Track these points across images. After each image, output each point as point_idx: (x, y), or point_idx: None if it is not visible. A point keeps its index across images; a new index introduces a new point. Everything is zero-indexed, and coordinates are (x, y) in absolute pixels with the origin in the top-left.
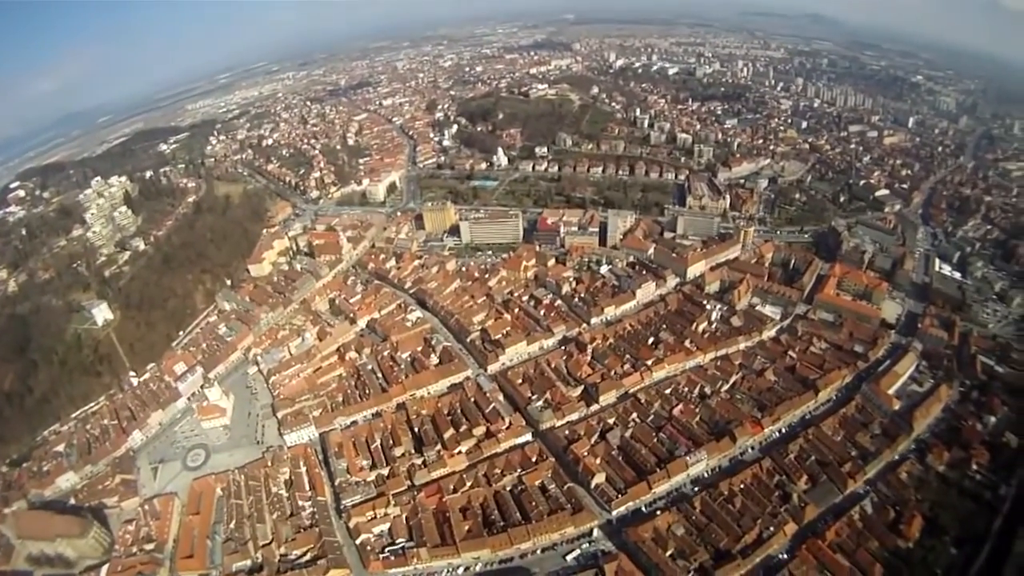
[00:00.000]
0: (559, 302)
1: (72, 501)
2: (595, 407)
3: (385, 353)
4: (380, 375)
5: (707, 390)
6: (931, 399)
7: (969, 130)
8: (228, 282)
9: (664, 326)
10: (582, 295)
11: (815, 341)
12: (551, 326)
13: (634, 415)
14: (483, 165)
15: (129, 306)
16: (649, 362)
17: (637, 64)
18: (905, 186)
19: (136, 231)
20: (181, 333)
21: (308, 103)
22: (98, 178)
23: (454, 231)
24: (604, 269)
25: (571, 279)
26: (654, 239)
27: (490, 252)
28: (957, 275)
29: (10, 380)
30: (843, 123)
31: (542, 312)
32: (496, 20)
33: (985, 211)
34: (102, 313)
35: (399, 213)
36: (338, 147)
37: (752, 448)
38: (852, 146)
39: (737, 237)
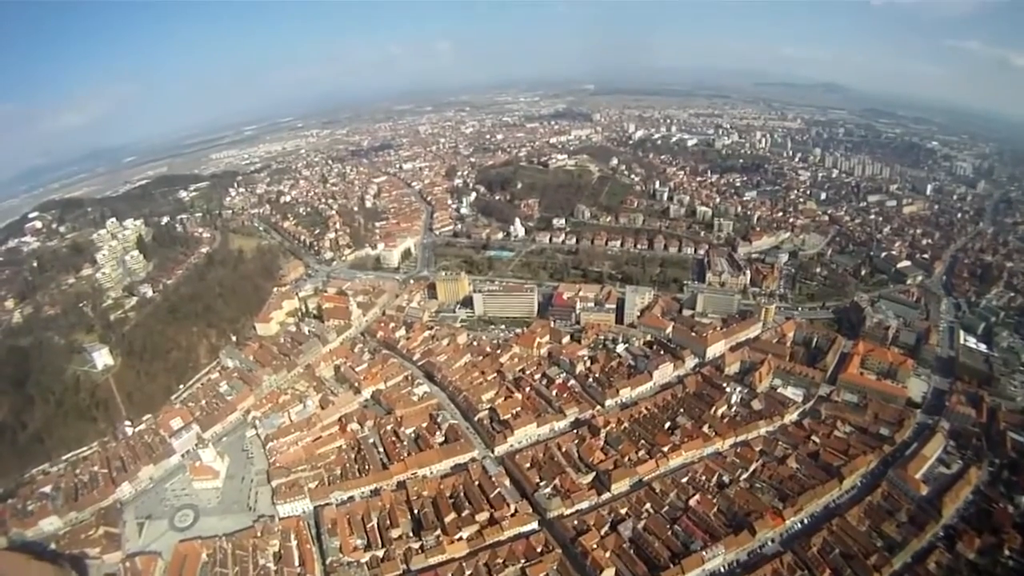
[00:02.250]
0: (572, 382)
1: (53, 546)
2: (607, 496)
3: (388, 427)
4: (382, 450)
5: (726, 479)
6: (960, 482)
7: (987, 194)
8: (234, 338)
9: (682, 410)
10: (597, 375)
11: (839, 425)
12: (563, 407)
13: (648, 505)
14: (500, 235)
15: (131, 353)
16: (665, 448)
17: (656, 135)
18: (926, 256)
19: (146, 277)
20: (181, 387)
21: (329, 162)
22: (113, 219)
23: (467, 302)
24: (620, 348)
25: (586, 358)
26: (672, 317)
27: (503, 326)
28: (983, 347)
29: (4, 412)
30: (862, 193)
31: (554, 392)
32: (518, 88)
33: (1007, 278)
34: (103, 358)
35: (412, 281)
36: (355, 209)
37: (772, 541)
38: (872, 216)
39: (758, 315)
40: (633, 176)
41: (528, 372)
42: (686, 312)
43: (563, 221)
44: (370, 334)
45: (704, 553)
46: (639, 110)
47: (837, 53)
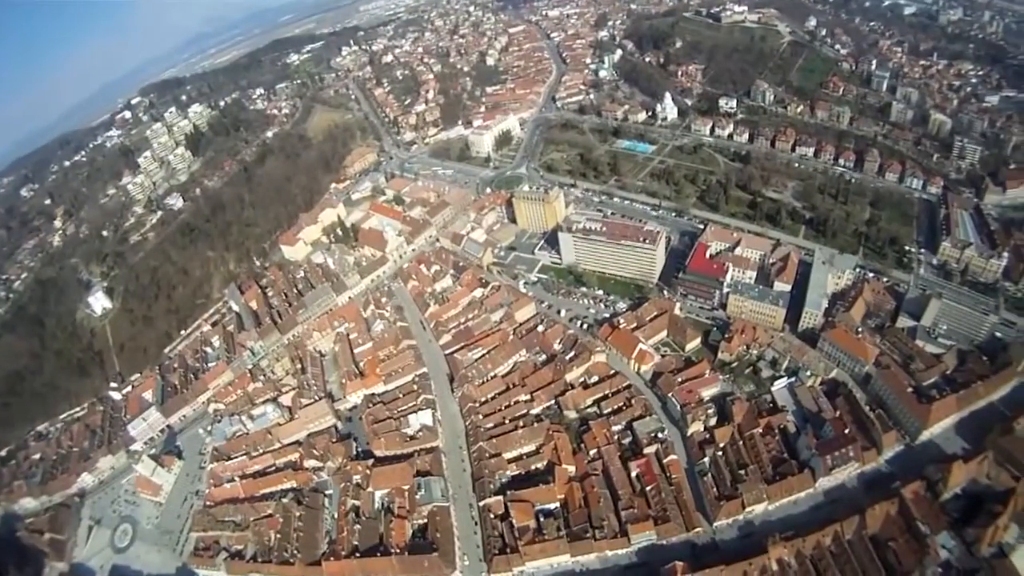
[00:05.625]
0: (671, 459)
1: (22, 534)
2: None
3: (353, 481)
4: (328, 523)
5: None
6: None
7: None
8: (257, 262)
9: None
10: (720, 449)
11: None
12: (633, 524)
13: None
14: (641, 116)
15: (132, 293)
16: None
17: None
18: None
19: (187, 180)
20: (183, 332)
21: (469, 8)
22: (172, 109)
23: (556, 238)
24: (780, 388)
25: (709, 408)
26: (880, 325)
27: (600, 292)
28: None
29: (22, 359)
30: None
31: (634, 474)
32: None
33: None
34: (99, 301)
35: (490, 190)
36: (466, 69)
37: None
38: None
39: (1016, 362)
40: (838, 47)
41: (608, 415)
42: (902, 320)
43: (734, 103)
44: (403, 279)
45: None
46: None
47: None
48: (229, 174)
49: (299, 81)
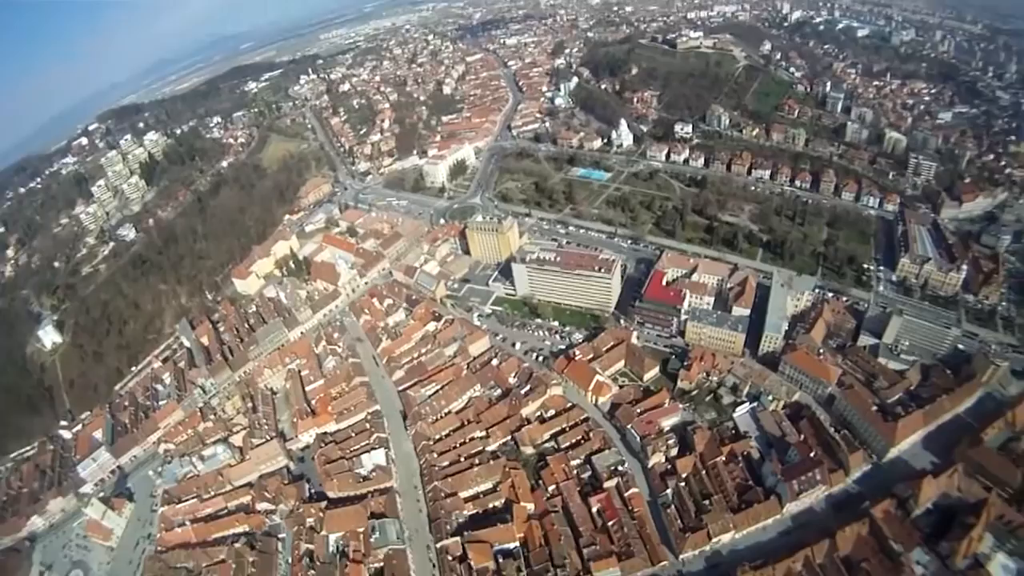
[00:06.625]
0: (632, 492)
1: None
2: None
3: (305, 524)
4: (282, 569)
5: None
6: None
7: None
8: (209, 296)
9: None
10: (684, 479)
11: None
12: (596, 560)
13: None
14: (597, 143)
15: (83, 327)
16: None
17: (817, 19)
18: None
19: (140, 209)
20: (133, 369)
21: (428, 37)
22: (128, 136)
23: (512, 268)
24: (742, 415)
25: (669, 439)
26: (841, 345)
27: (555, 323)
28: None
29: None
30: None
31: (594, 509)
32: None
33: None
34: (49, 335)
35: (444, 221)
36: (423, 98)
37: None
38: None
39: (980, 373)
40: (793, 70)
41: (566, 450)
42: (863, 339)
43: (689, 129)
44: (355, 313)
45: None
46: None
47: None
48: (183, 204)
49: (256, 110)
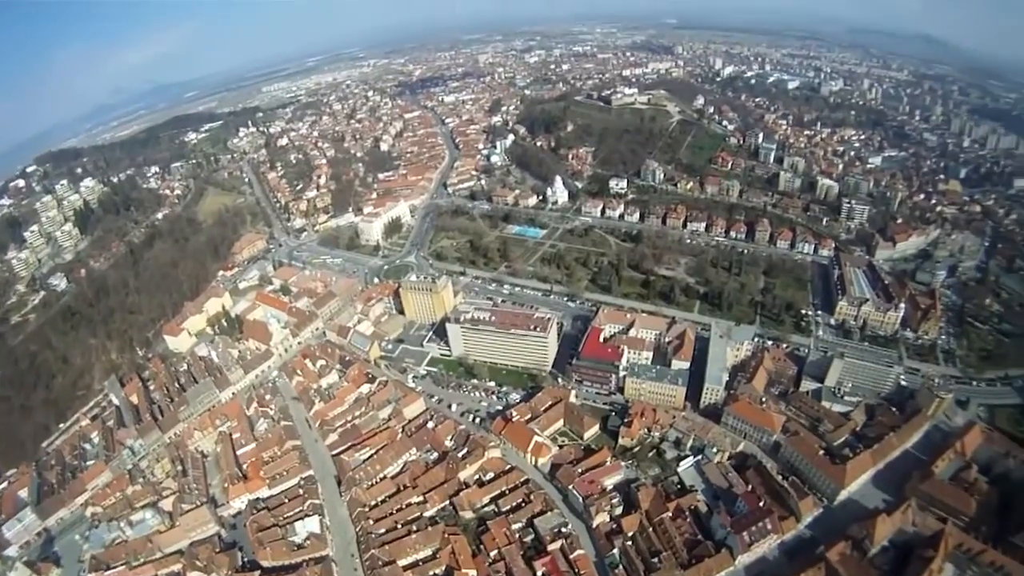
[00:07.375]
0: (579, 554)
1: None
2: None
3: None
4: None
5: None
6: None
7: None
8: (140, 352)
9: None
10: (631, 539)
11: None
12: None
13: None
14: (532, 200)
15: (11, 381)
16: None
17: (749, 74)
18: None
19: (73, 258)
20: (61, 426)
21: (368, 94)
22: (64, 181)
23: (447, 328)
24: (687, 468)
25: (612, 497)
26: (784, 392)
27: (492, 383)
28: None
29: None
30: (1005, 174)
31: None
32: (597, 20)
33: None
34: None
35: (378, 280)
36: (360, 154)
37: None
38: None
39: (925, 407)
40: (726, 124)
41: (507, 513)
42: (806, 384)
43: (624, 184)
44: (288, 374)
45: None
46: (726, 46)
47: (928, 1)
48: (116, 256)
49: (194, 161)
